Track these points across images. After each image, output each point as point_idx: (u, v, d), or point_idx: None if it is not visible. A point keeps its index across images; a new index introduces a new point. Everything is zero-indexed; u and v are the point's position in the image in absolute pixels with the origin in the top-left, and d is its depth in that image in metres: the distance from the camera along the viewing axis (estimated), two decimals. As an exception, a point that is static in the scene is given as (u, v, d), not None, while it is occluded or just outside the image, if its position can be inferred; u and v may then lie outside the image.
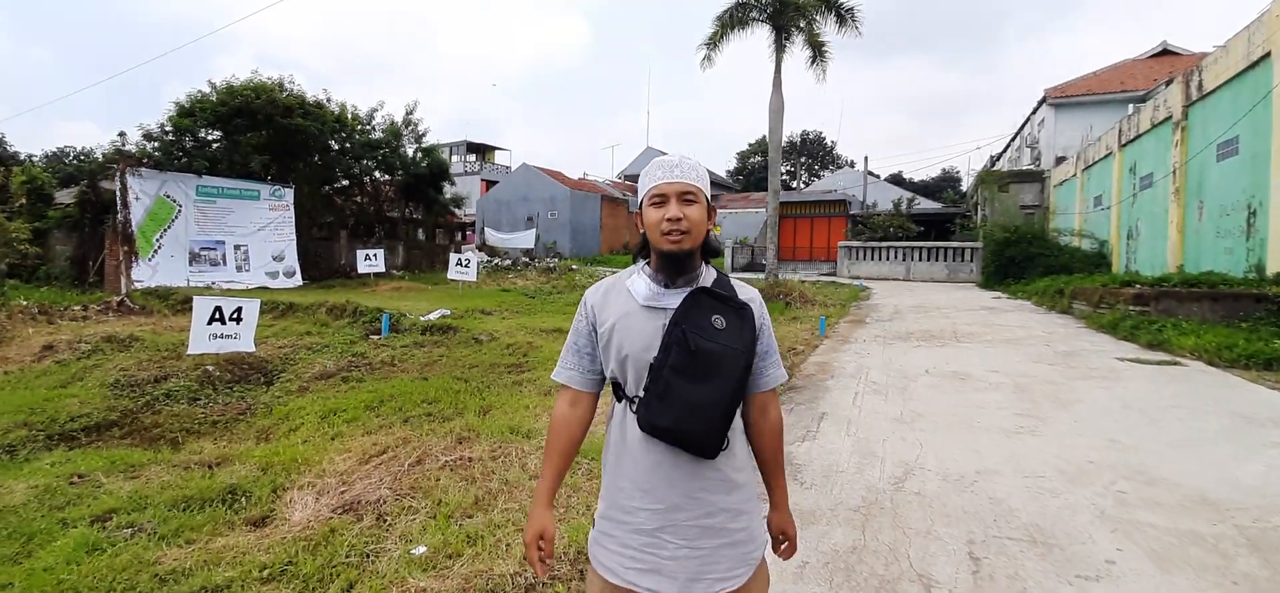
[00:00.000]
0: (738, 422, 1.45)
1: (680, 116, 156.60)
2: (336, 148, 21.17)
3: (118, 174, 16.12)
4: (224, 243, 17.71)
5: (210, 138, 18.63)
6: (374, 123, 22.53)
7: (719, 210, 38.46)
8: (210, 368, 6.87)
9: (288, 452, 4.34)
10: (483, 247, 30.42)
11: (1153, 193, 14.88)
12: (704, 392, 1.30)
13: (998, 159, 34.65)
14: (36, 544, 3.08)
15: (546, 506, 1.46)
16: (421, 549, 2.92)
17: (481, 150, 49.61)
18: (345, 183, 22.75)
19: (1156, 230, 14.57)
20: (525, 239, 31.22)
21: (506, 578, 2.66)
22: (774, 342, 1.53)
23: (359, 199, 23.66)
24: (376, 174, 23.46)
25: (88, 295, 13.80)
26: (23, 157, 37.99)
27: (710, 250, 1.48)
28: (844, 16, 15.58)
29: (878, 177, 44.26)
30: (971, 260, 23.80)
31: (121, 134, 17.66)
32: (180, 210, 17.00)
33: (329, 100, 20.86)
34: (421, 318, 10.42)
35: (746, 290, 1.48)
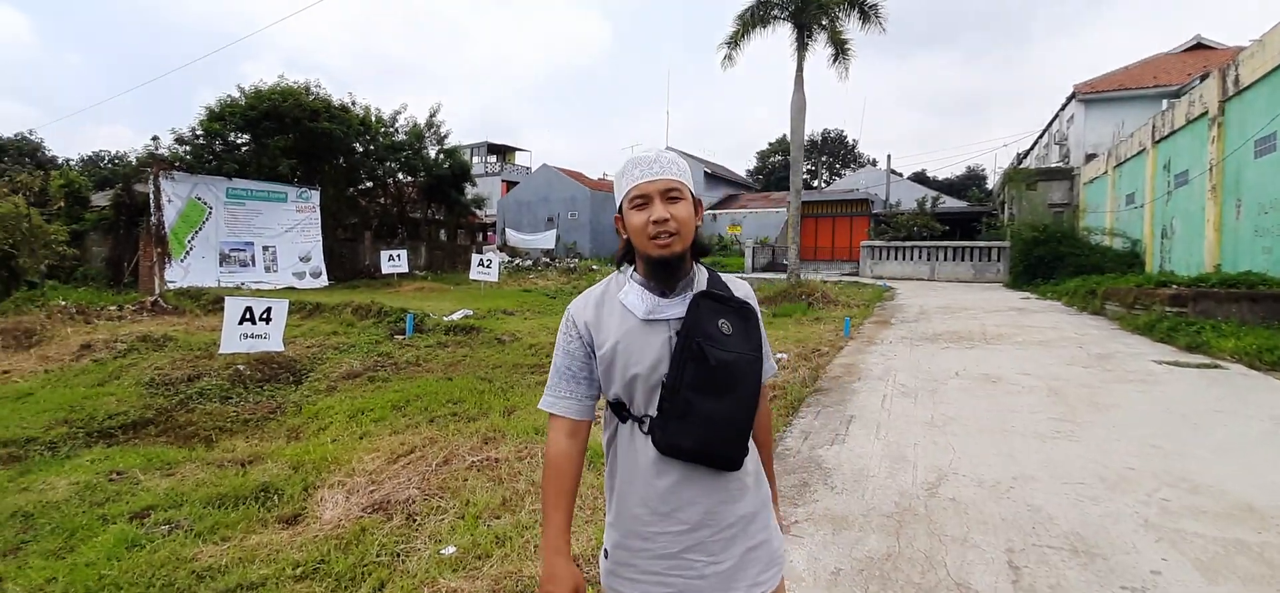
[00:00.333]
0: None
1: (700, 116, 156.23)
2: (361, 150, 21.47)
3: (151, 177, 16.53)
4: (253, 244, 18.06)
5: (239, 141, 19.02)
6: (397, 125, 22.82)
7: (739, 210, 38.30)
8: (241, 367, 7.00)
9: (318, 451, 4.40)
10: (504, 247, 30.63)
11: (1188, 190, 14.45)
12: (726, 406, 1.24)
13: (1025, 157, 33.97)
14: (79, 540, 3.15)
15: (565, 554, 1.30)
16: (451, 550, 2.93)
17: (502, 151, 49.97)
18: (369, 185, 23.07)
19: (1192, 229, 14.15)
20: (546, 240, 31.37)
21: (536, 580, 2.66)
22: (765, 334, 1.45)
23: (383, 200, 23.97)
24: (400, 176, 23.75)
25: (123, 296, 14.18)
26: (60, 161, 39.26)
27: (699, 250, 1.38)
28: (867, 13, 15.38)
29: (900, 175, 43.68)
30: (998, 260, 23.35)
31: (154, 138, 18.16)
32: (211, 212, 17.38)
33: (354, 103, 21.18)
34: (445, 318, 10.52)
35: (740, 286, 1.41)
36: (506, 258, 25.24)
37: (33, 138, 40.68)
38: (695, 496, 1.29)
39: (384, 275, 18.77)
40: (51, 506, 3.57)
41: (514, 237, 32.44)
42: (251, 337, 7.11)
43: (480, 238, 33.34)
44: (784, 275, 16.15)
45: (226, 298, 7.28)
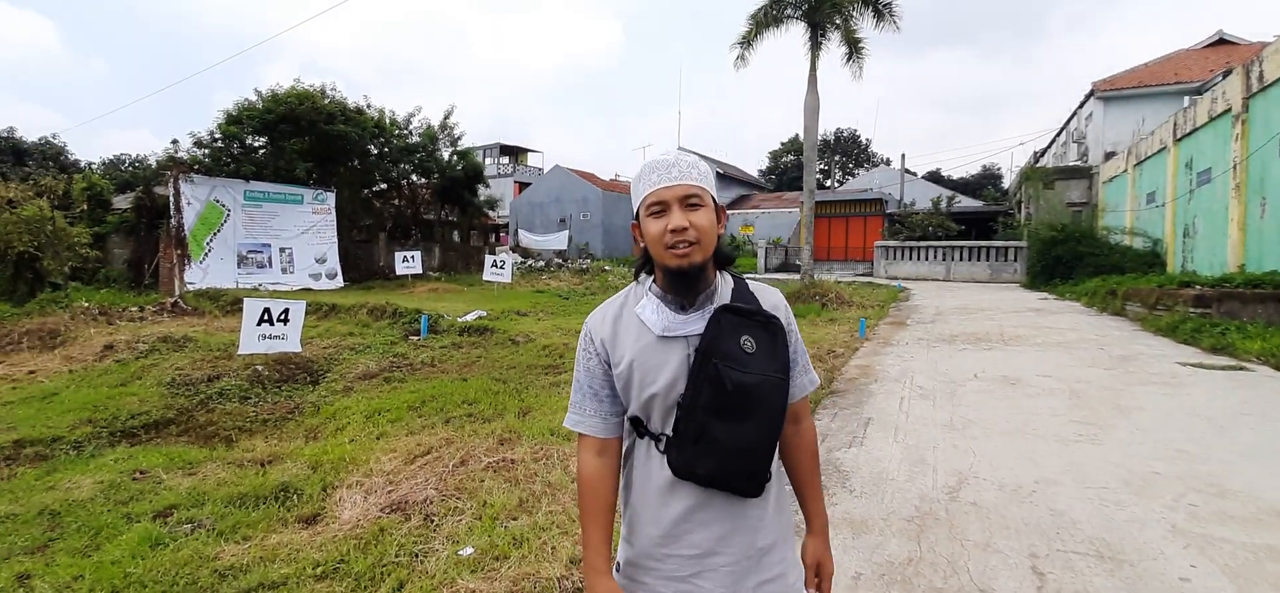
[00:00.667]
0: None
1: (712, 116, 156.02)
2: (375, 152, 21.65)
3: (171, 180, 16.77)
4: (269, 246, 18.28)
5: (257, 144, 19.24)
6: (411, 127, 22.97)
7: (752, 210, 38.17)
8: (259, 368, 7.07)
9: (336, 451, 4.43)
10: (516, 248, 30.75)
11: (1211, 189, 14.18)
12: (746, 431, 1.17)
13: (1042, 155, 33.53)
14: (104, 538, 3.20)
15: (606, 573, 1.25)
16: (469, 551, 2.93)
17: (514, 153, 50.18)
18: (384, 186, 23.25)
19: (1216, 228, 13.88)
20: (558, 240, 31.45)
21: (553, 582, 2.66)
22: (802, 344, 1.36)
23: (397, 202, 24.15)
24: (413, 177, 23.91)
25: (144, 297, 14.40)
26: (83, 164, 40.00)
27: (723, 258, 1.30)
28: (882, 11, 15.26)
29: (915, 174, 43.30)
30: (1015, 260, 23.06)
31: (174, 142, 18.32)
32: (229, 214, 17.61)
33: (369, 106, 21.36)
34: (459, 319, 10.57)
35: (770, 295, 1.32)
36: (519, 259, 25.32)
37: (56, 142, 41.48)
38: (709, 520, 1.23)
39: (398, 276, 18.90)
40: (77, 504, 3.62)
41: (526, 237, 32.56)
42: (269, 338, 7.19)
43: (493, 239, 33.51)
44: (797, 276, 16.07)
45: (245, 299, 7.37)
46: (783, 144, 60.99)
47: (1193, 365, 7.19)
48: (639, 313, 1.27)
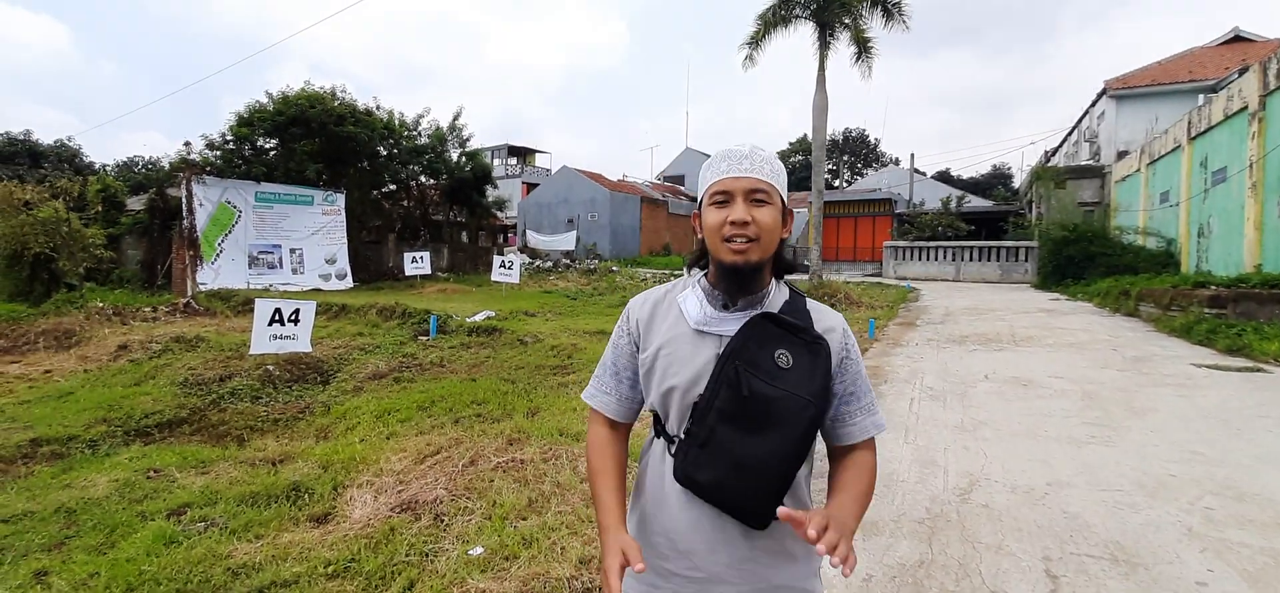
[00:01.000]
0: (800, 483, 1.18)
1: (719, 116, 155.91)
2: (385, 154, 21.76)
3: (183, 182, 16.94)
4: (280, 246, 18.42)
5: (267, 146, 19.39)
6: (420, 129, 23.08)
7: (759, 211, 38.04)
8: (271, 368, 7.13)
9: (346, 450, 4.46)
10: (524, 249, 30.83)
11: (1226, 188, 14.01)
12: (757, 446, 1.07)
13: (1053, 154, 33.25)
14: (119, 536, 3.23)
15: (621, 525, 1.15)
16: (479, 550, 2.94)
17: (522, 153, 50.31)
18: (393, 187, 23.36)
19: (1231, 228, 13.71)
20: (566, 241, 31.50)
21: (563, 582, 2.66)
22: (865, 382, 1.21)
23: (406, 203, 24.27)
24: (422, 178, 24.02)
25: (156, 297, 14.55)
26: (97, 166, 40.47)
27: (784, 265, 1.23)
28: (891, 11, 15.19)
29: (924, 174, 43.05)
30: (1026, 260, 22.88)
31: (186, 143, 18.50)
32: (240, 216, 17.76)
33: (378, 108, 21.48)
34: (467, 319, 10.61)
35: (827, 318, 1.22)
36: (527, 259, 25.39)
37: (71, 144, 42.00)
38: (717, 542, 1.14)
39: (407, 277, 19.00)
40: (93, 502, 3.67)
41: (534, 238, 32.64)
42: (280, 338, 7.24)
43: (501, 239, 33.62)
44: (806, 277, 16.01)
45: (256, 300, 7.42)
46: (791, 144, 60.82)
47: (1208, 367, 7.11)
48: (681, 302, 1.22)
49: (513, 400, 5.79)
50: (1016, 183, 45.48)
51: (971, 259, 24.06)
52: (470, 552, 2.94)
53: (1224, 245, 14.21)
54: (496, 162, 43.83)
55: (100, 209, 18.58)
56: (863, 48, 15.56)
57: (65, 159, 38.87)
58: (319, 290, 16.88)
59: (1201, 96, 17.35)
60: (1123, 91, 22.82)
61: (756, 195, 1.14)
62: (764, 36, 15.68)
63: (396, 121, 22.02)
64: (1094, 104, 25.48)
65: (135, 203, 20.63)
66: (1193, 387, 6.17)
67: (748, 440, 1.07)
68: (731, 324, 1.16)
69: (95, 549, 3.11)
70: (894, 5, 15.12)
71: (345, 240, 19.61)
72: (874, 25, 15.49)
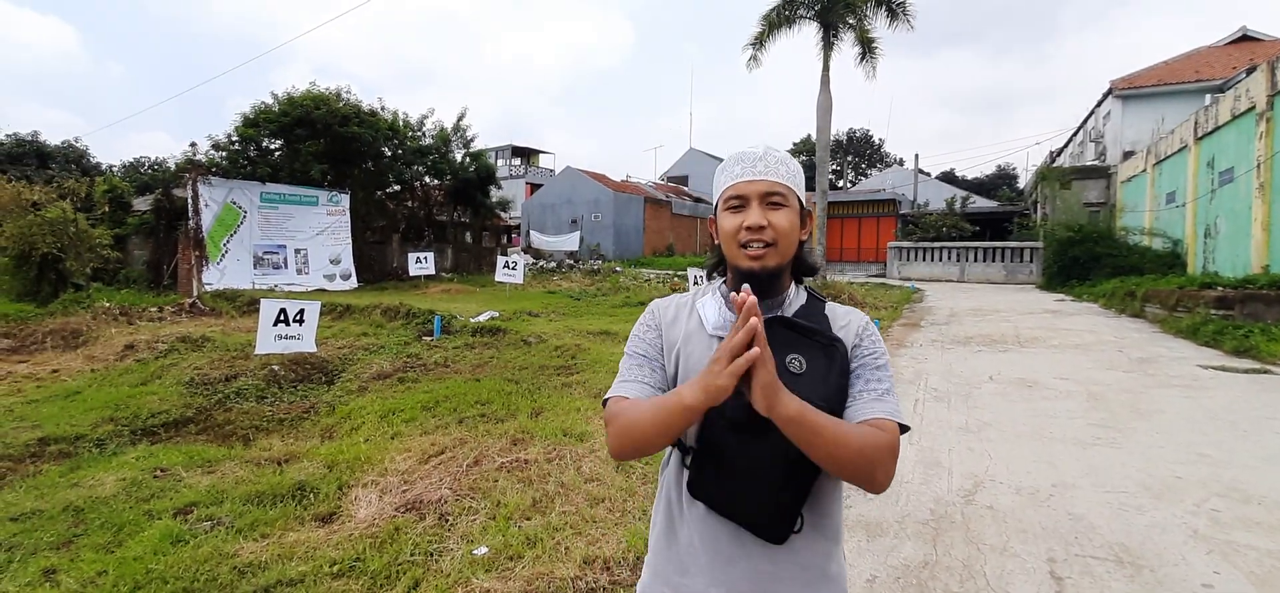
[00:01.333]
0: (826, 493, 1.13)
1: (723, 115, 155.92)
2: (389, 154, 21.83)
3: (189, 182, 17.02)
4: (285, 247, 18.49)
5: (273, 147, 19.48)
6: (424, 129, 23.15)
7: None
8: (276, 368, 7.16)
9: (351, 450, 4.48)
10: (528, 249, 30.88)
11: (1233, 189, 13.92)
12: (768, 457, 1.02)
13: (1058, 155, 33.12)
14: (126, 535, 3.25)
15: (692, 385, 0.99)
16: (483, 550, 2.95)
17: (526, 154, 50.37)
18: (397, 188, 23.43)
19: (1239, 229, 13.63)
20: (569, 241, 31.53)
21: (567, 581, 2.67)
22: (884, 371, 1.12)
23: (410, 204, 24.34)
24: (427, 179, 24.08)
25: (162, 297, 14.63)
26: (104, 167, 40.70)
27: (804, 268, 1.18)
28: (895, 10, 15.18)
29: (928, 175, 42.93)
30: (1031, 261, 22.80)
31: (192, 144, 18.59)
32: (245, 216, 17.83)
33: (382, 108, 21.54)
34: (471, 320, 10.63)
35: (845, 318, 1.16)
36: (531, 260, 25.43)
37: (78, 145, 42.22)
38: (736, 557, 1.09)
39: (411, 277, 19.05)
40: (100, 501, 3.69)
41: (538, 239, 32.68)
42: (285, 338, 7.26)
43: (505, 240, 33.69)
44: (813, 276, 16.02)
45: (261, 300, 7.45)
46: (795, 144, 60.72)
47: (1215, 368, 7.07)
48: (700, 307, 1.19)
49: (517, 401, 5.80)
50: (1021, 183, 45.35)
51: (976, 260, 24.00)
52: (475, 552, 2.95)
53: (1231, 246, 14.13)
54: (500, 162, 43.88)
55: (107, 209, 18.68)
56: (867, 48, 15.55)
57: (72, 160, 39.09)
58: (324, 291, 16.95)
59: (1208, 96, 17.27)
60: (1128, 91, 22.72)
61: (772, 198, 1.11)
62: (768, 37, 15.69)
63: (401, 122, 22.08)
64: (1099, 104, 25.38)
65: (141, 203, 20.73)
66: (1199, 388, 6.14)
67: (759, 450, 1.03)
68: None
69: (103, 548, 3.13)
70: (898, 5, 15.11)
71: (350, 241, 19.68)
72: (878, 25, 15.51)
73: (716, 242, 1.18)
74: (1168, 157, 18.22)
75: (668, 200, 38.30)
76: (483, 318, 10.91)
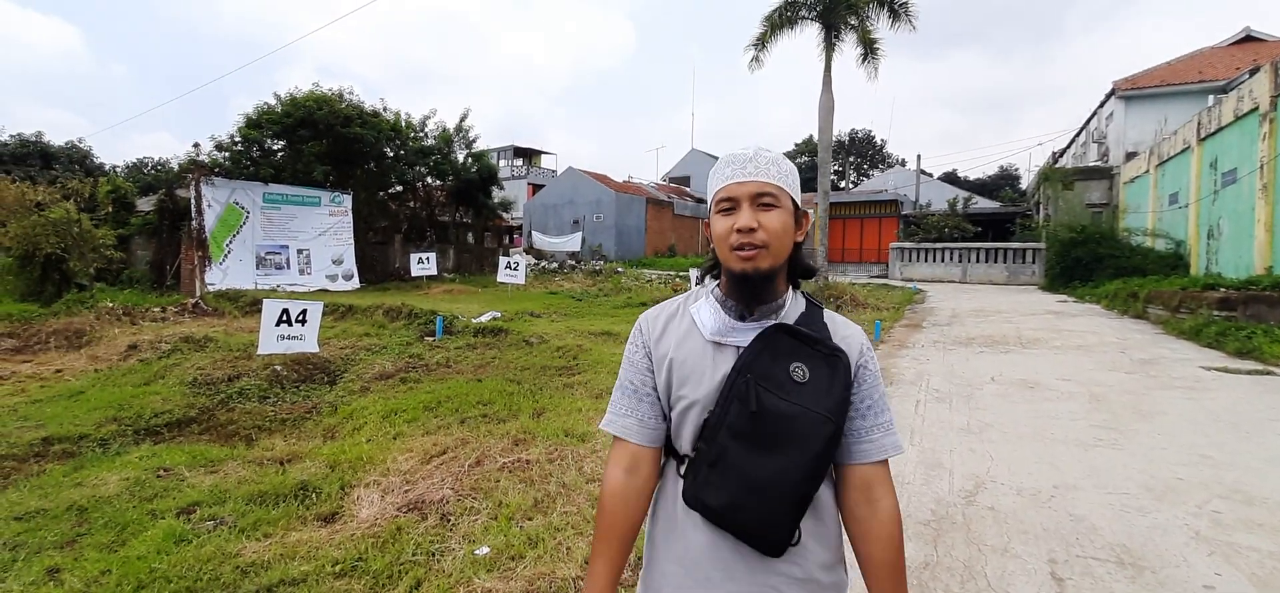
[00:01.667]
0: (827, 505, 1.12)
1: (724, 116, 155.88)
2: (391, 155, 21.87)
3: (192, 183, 17.06)
4: (288, 247, 18.53)
5: (275, 147, 19.52)
6: (426, 130, 23.19)
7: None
8: (278, 368, 7.18)
9: (353, 450, 4.49)
10: (530, 250, 30.91)
11: (1237, 189, 13.90)
12: (770, 466, 1.01)
13: (1061, 155, 33.07)
14: (129, 534, 3.26)
15: None
16: (485, 550, 2.96)
17: (528, 154, 50.42)
18: (399, 188, 23.47)
19: (1242, 230, 13.60)
20: (571, 242, 31.56)
21: (569, 582, 2.67)
22: (882, 398, 1.13)
23: (412, 204, 24.37)
24: (429, 180, 24.11)
25: (165, 297, 14.66)
26: (107, 167, 40.84)
27: (801, 270, 1.17)
28: (897, 11, 15.15)
29: (930, 175, 42.90)
30: (1033, 262, 22.78)
31: (196, 145, 18.64)
32: (248, 216, 17.88)
33: (385, 109, 21.58)
34: (473, 320, 10.64)
35: (844, 329, 1.16)
36: (533, 260, 25.46)
37: (82, 146, 42.39)
38: (735, 569, 1.07)
39: (413, 278, 19.08)
40: (104, 500, 3.70)
41: (540, 239, 32.71)
42: (287, 338, 7.29)
43: (507, 240, 33.73)
44: (811, 279, 16.02)
45: (264, 301, 7.47)
46: (797, 145, 60.70)
47: (1217, 370, 7.06)
48: (694, 313, 1.17)
49: (518, 401, 5.81)
50: (1024, 184, 45.28)
51: (978, 261, 23.98)
52: (476, 552, 2.95)
53: (1234, 247, 14.10)
54: (502, 163, 43.92)
55: (110, 210, 18.73)
56: (869, 48, 15.54)
57: (76, 160, 39.23)
58: (326, 291, 16.98)
59: (1211, 97, 17.23)
60: (1131, 92, 22.68)
61: (763, 199, 1.09)
62: (770, 38, 15.68)
63: (403, 123, 22.12)
64: (1102, 105, 25.34)
65: (145, 204, 20.78)
66: (1201, 390, 6.13)
67: (761, 460, 1.02)
68: (748, 335, 1.11)
69: (106, 547, 3.15)
70: (901, 5, 15.09)
71: (352, 241, 19.72)
72: (880, 26, 15.48)
73: (711, 245, 1.18)
74: (1171, 157, 18.19)
75: (670, 201, 38.30)
76: (485, 318, 10.93)
